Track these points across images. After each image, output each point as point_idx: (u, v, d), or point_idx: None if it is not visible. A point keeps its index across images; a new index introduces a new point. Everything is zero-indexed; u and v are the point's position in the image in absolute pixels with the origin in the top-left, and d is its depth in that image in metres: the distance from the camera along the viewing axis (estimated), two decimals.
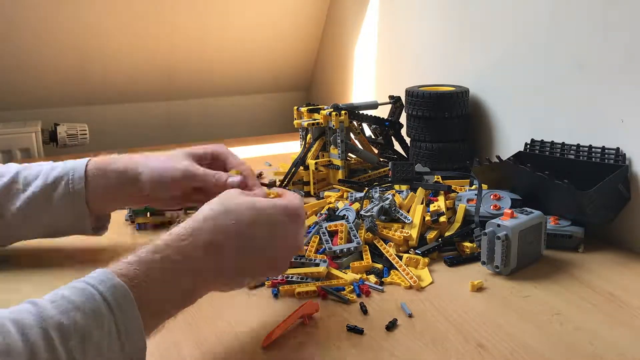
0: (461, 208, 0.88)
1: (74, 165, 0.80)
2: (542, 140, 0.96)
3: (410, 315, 0.67)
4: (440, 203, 0.88)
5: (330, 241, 0.81)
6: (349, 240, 0.81)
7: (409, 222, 0.84)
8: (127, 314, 0.48)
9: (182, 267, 0.53)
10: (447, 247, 0.84)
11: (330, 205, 0.93)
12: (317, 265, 0.76)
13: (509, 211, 0.77)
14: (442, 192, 0.93)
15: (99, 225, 0.84)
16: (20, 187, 0.78)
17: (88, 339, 0.45)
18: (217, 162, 0.83)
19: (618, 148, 0.86)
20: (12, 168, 0.81)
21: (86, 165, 0.80)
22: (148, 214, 0.96)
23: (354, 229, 0.83)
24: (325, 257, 0.78)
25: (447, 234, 0.85)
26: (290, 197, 0.65)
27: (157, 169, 0.79)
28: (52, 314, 0.45)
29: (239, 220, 0.58)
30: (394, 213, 0.86)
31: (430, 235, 0.84)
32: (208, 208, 0.59)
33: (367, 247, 0.81)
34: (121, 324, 0.47)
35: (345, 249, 0.79)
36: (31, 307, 0.46)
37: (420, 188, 0.92)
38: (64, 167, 0.80)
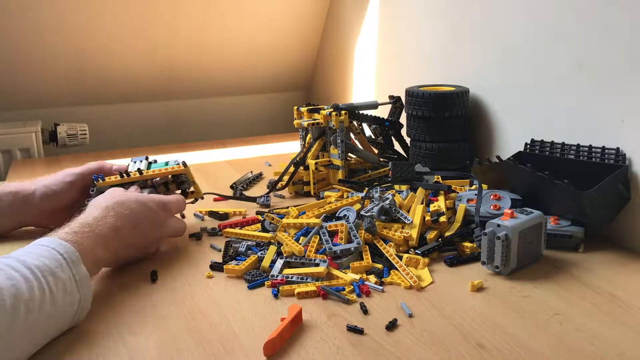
0: (461, 208, 0.88)
1: None
2: (542, 140, 0.96)
3: (410, 315, 0.67)
4: (440, 203, 0.88)
5: (330, 241, 0.81)
6: (349, 241, 0.81)
7: (409, 222, 0.84)
8: (77, 264, 0.64)
9: (99, 240, 0.71)
10: (447, 247, 0.84)
11: (335, 205, 0.92)
12: (317, 265, 0.76)
13: (509, 211, 0.77)
14: (442, 192, 0.93)
15: None
16: None
17: (57, 277, 0.61)
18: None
19: (618, 148, 0.86)
20: None
21: None
22: None
23: (354, 229, 0.83)
24: (325, 257, 0.78)
25: (447, 234, 0.85)
26: (170, 196, 0.88)
27: (48, 184, 0.93)
28: (29, 259, 0.60)
29: (131, 210, 0.78)
30: (394, 213, 0.86)
31: (430, 235, 0.84)
32: (104, 202, 0.78)
33: (367, 247, 0.81)
34: (74, 271, 0.63)
35: (345, 249, 0.79)
36: (10, 259, 0.60)
37: (420, 188, 0.92)
38: None
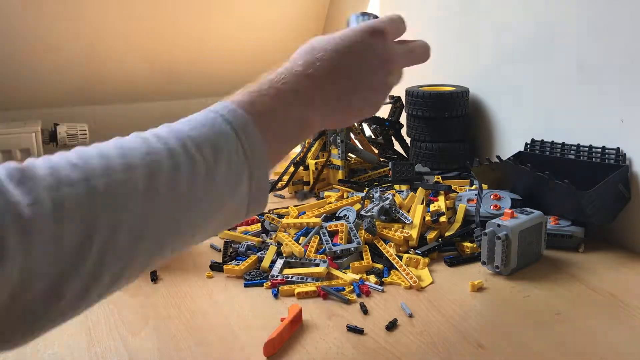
0: (461, 208, 0.88)
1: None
2: (542, 140, 0.96)
3: (410, 315, 0.67)
4: (440, 203, 0.88)
5: (330, 241, 0.81)
6: (349, 241, 0.81)
7: (409, 222, 0.84)
8: (249, 135, 0.50)
9: (287, 95, 0.55)
10: (447, 247, 0.84)
11: (335, 205, 0.92)
12: (317, 265, 0.76)
13: (509, 211, 0.77)
14: (442, 192, 0.93)
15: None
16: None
17: (219, 150, 0.48)
18: None
19: (618, 148, 0.86)
20: None
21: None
22: None
23: (354, 229, 0.83)
24: (325, 257, 0.78)
25: (447, 234, 0.85)
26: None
27: None
28: (184, 129, 0.49)
29: (326, 51, 0.57)
30: (394, 213, 0.86)
31: (430, 235, 0.84)
32: (298, 50, 0.59)
33: (367, 247, 0.81)
34: (245, 142, 0.50)
35: (345, 249, 0.79)
36: (165, 127, 0.49)
37: (420, 188, 0.92)
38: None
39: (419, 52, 0.66)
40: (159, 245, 0.45)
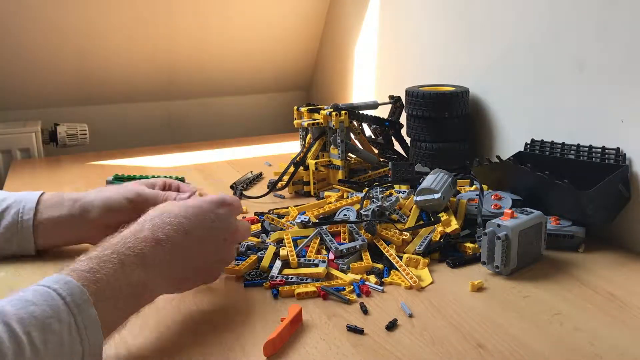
0: (462, 204, 0.88)
1: (26, 197, 0.81)
2: (542, 140, 0.96)
3: (410, 315, 0.67)
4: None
5: (334, 241, 0.81)
6: (353, 239, 0.81)
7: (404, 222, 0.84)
8: (83, 308, 0.50)
9: (131, 260, 0.57)
10: (450, 249, 0.83)
11: (335, 205, 0.92)
12: (317, 265, 0.76)
13: (509, 211, 0.77)
14: None
15: None
16: None
17: (48, 330, 0.47)
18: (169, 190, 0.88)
19: (618, 148, 0.86)
20: None
21: (39, 197, 0.81)
22: None
23: (355, 227, 0.83)
24: (324, 258, 0.78)
25: (447, 229, 0.84)
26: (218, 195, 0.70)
27: (109, 196, 0.82)
28: (10, 310, 0.47)
29: (176, 217, 0.63)
30: (389, 214, 0.86)
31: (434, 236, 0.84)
32: (146, 214, 0.64)
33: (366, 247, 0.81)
34: (79, 317, 0.50)
35: (351, 247, 0.79)
36: None
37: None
38: (16, 197, 0.81)
39: (247, 231, 0.72)
40: None
